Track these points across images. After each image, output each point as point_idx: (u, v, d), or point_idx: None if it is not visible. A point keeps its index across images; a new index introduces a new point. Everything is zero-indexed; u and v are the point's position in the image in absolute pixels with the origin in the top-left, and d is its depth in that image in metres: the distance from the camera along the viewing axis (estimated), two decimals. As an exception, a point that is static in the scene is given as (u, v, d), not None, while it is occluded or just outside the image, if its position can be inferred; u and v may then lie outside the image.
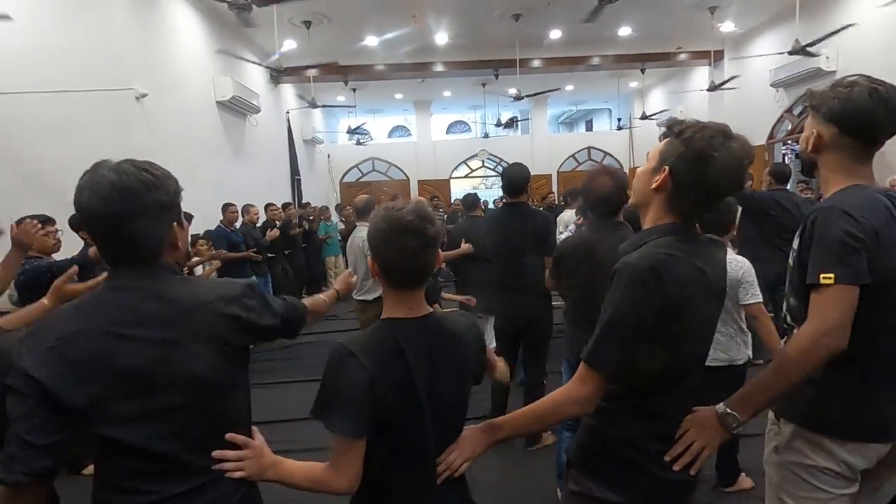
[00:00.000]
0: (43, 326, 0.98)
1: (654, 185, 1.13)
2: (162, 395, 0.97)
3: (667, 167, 1.11)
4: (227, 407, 1.07)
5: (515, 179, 2.95)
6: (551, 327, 3.04)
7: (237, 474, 1.04)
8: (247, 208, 6.02)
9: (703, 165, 1.06)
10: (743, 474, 2.62)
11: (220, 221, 5.58)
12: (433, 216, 1.09)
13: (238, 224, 5.83)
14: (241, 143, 7.76)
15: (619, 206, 2.21)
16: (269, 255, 6.18)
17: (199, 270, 4.92)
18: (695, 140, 1.09)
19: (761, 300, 2.36)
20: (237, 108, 7.40)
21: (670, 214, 1.13)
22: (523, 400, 3.10)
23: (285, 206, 7.29)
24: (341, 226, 8.28)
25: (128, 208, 0.96)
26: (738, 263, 2.36)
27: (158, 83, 5.42)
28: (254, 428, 1.14)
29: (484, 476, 2.76)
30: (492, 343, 4.54)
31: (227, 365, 1.03)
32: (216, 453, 1.03)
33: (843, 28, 6.23)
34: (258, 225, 6.34)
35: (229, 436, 1.05)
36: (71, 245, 3.28)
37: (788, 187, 4.43)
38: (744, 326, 2.43)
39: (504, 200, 3.21)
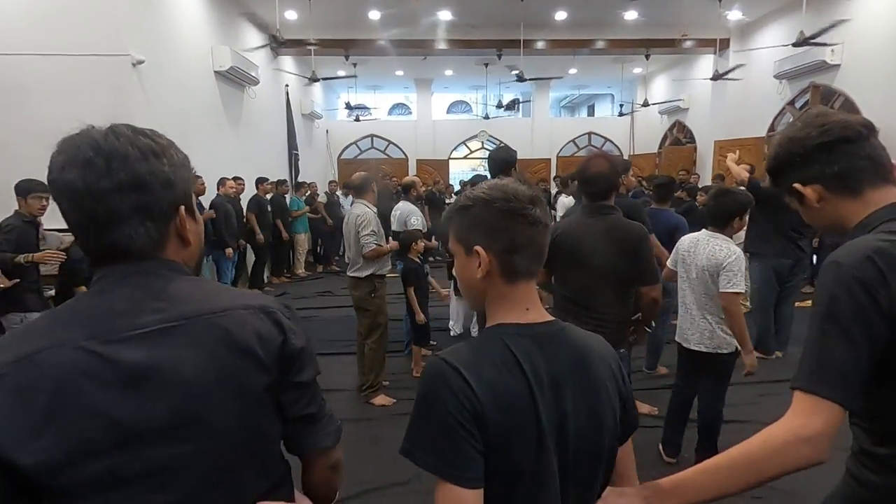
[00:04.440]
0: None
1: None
2: (174, 442, 0.67)
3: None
4: (268, 454, 0.77)
5: (499, 162, 3.00)
6: None
7: None
8: (223, 180, 6.06)
9: None
10: (720, 457, 2.68)
11: None
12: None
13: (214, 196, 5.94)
14: (239, 115, 7.67)
15: (611, 190, 2.23)
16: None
17: None
18: None
19: (742, 291, 2.38)
20: (235, 78, 7.29)
21: None
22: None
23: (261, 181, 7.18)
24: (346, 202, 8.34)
25: (114, 180, 0.68)
26: (725, 251, 2.39)
27: (155, 50, 5.33)
28: (297, 492, 0.83)
29: None
30: (475, 327, 4.61)
31: (263, 395, 0.74)
32: None
33: (840, 22, 6.17)
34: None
35: None
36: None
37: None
38: None
39: None
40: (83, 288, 3.48)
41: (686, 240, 2.57)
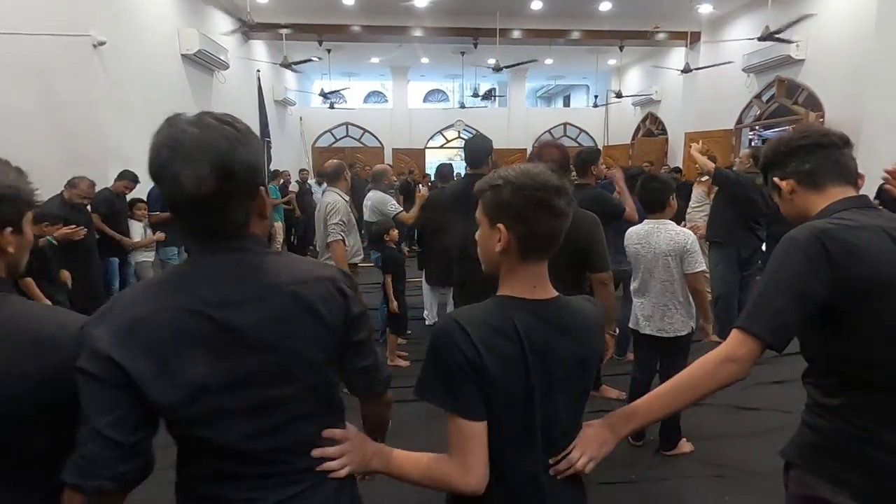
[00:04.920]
0: (116, 306, 0.81)
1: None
2: (278, 385, 0.84)
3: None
4: (332, 396, 0.93)
5: (476, 151, 2.98)
6: None
7: (342, 472, 0.90)
8: None
9: None
10: (684, 439, 2.78)
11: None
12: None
13: None
14: (208, 100, 7.47)
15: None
16: None
17: (137, 235, 4.72)
18: None
19: (705, 270, 2.51)
20: (204, 62, 7.10)
21: None
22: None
23: None
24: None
25: (212, 171, 0.78)
26: (684, 234, 2.49)
27: (118, 31, 5.14)
28: (348, 424, 0.98)
29: (440, 438, 2.83)
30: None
31: (332, 350, 0.89)
32: (316, 452, 0.89)
33: (805, 17, 6.34)
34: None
35: (326, 432, 0.90)
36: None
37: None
38: (689, 298, 2.56)
39: (466, 171, 3.24)
40: (29, 280, 3.36)
41: (634, 233, 2.60)
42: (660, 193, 2.51)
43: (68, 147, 4.64)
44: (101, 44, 4.80)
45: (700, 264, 2.47)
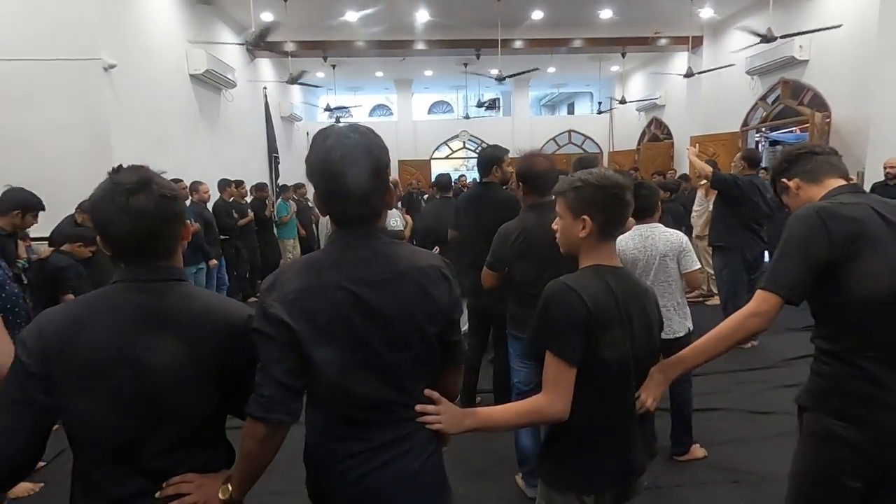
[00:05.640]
0: (282, 277, 1.01)
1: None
2: (399, 351, 1.03)
3: None
4: (434, 363, 1.11)
5: (481, 160, 3.11)
6: None
7: (437, 426, 1.09)
8: (195, 186, 5.45)
9: None
10: (696, 444, 2.75)
11: None
12: None
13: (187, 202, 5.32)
14: (216, 118, 7.60)
15: (553, 185, 2.27)
16: (223, 237, 5.79)
17: None
18: None
19: (700, 266, 2.59)
20: (211, 81, 7.23)
21: None
22: (493, 378, 3.19)
23: (225, 184, 6.23)
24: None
25: (369, 170, 0.99)
26: (678, 235, 2.54)
27: (128, 54, 5.27)
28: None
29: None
30: (465, 324, 4.63)
31: (440, 325, 1.08)
32: (420, 407, 1.08)
33: (818, 30, 6.33)
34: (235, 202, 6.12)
35: (427, 392, 1.09)
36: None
37: (758, 172, 4.54)
38: (685, 300, 2.58)
39: (477, 181, 3.33)
40: (71, 295, 3.42)
41: (629, 240, 2.57)
42: (649, 200, 2.56)
43: (78, 170, 4.74)
44: (112, 66, 4.92)
45: (696, 262, 2.55)
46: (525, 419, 1.21)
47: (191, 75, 6.74)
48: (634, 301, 1.24)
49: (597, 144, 14.41)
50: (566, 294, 1.17)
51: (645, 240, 2.52)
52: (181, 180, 4.97)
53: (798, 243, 1.29)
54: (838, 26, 6.27)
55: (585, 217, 1.24)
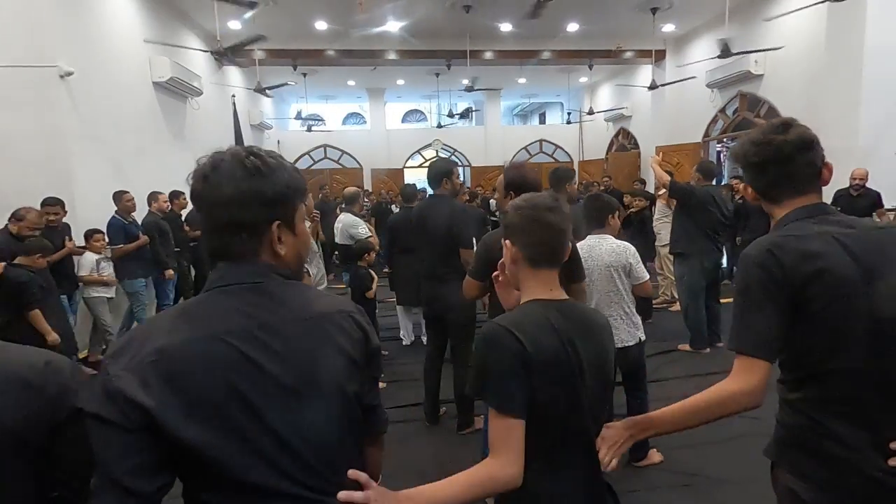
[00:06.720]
0: (137, 337, 0.77)
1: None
2: (303, 422, 0.80)
3: None
4: (356, 434, 0.90)
5: (431, 173, 3.15)
6: (473, 314, 3.06)
7: None
8: (154, 196, 5.30)
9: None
10: (654, 450, 2.82)
11: (116, 211, 4.80)
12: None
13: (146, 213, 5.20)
14: (182, 126, 7.46)
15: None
16: (175, 249, 5.49)
17: (86, 269, 4.45)
18: None
19: (648, 278, 2.66)
20: (176, 89, 7.10)
21: None
22: (454, 389, 3.21)
23: (176, 195, 5.77)
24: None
25: (254, 187, 0.82)
26: (624, 246, 2.61)
27: (87, 61, 5.14)
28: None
29: (415, 457, 2.87)
30: (422, 332, 4.65)
31: (357, 383, 0.88)
32: (342, 495, 0.81)
33: (766, 49, 6.63)
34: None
35: (352, 473, 0.84)
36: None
37: (714, 183, 4.72)
38: (633, 309, 2.64)
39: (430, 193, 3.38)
40: (38, 311, 3.31)
41: (578, 248, 2.66)
42: (599, 212, 2.67)
43: (32, 178, 4.59)
44: (69, 74, 4.79)
45: (645, 273, 2.63)
46: (477, 491, 0.97)
47: (154, 83, 6.62)
48: (582, 338, 1.07)
49: (567, 154, 14.67)
50: (502, 336, 1.01)
51: (591, 249, 2.60)
52: (127, 191, 4.86)
53: (755, 289, 1.12)
54: (780, 48, 6.63)
55: (506, 242, 1.14)
